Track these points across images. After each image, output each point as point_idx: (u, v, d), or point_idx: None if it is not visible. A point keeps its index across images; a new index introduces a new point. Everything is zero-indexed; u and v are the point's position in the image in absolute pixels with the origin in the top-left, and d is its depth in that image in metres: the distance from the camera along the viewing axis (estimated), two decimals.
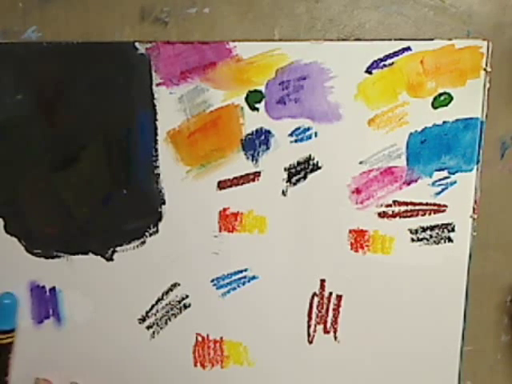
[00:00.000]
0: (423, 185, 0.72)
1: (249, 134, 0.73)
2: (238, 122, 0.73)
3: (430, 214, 0.73)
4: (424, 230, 0.73)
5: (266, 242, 0.76)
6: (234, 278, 0.77)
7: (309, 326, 0.77)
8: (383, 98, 0.71)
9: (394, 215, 0.73)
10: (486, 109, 0.70)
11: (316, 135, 0.72)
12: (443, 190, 0.72)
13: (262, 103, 0.73)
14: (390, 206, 0.73)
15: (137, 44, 0.72)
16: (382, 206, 0.73)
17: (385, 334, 0.77)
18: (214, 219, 0.76)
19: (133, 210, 0.77)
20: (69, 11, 0.73)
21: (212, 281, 0.78)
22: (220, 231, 0.76)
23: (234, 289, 0.77)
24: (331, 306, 0.76)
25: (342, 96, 0.72)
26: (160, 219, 0.77)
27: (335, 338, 0.77)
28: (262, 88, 0.72)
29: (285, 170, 0.74)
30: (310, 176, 0.73)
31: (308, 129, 0.72)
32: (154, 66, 0.73)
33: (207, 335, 0.79)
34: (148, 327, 0.80)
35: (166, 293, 0.79)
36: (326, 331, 0.77)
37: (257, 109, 0.72)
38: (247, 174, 0.74)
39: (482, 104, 0.70)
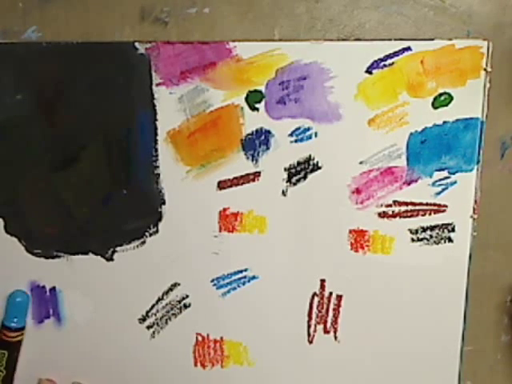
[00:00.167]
0: (423, 185, 0.72)
1: (249, 134, 0.73)
2: (238, 122, 0.73)
3: (430, 214, 0.73)
4: (424, 230, 0.73)
5: (266, 242, 0.76)
6: (234, 277, 0.77)
7: (309, 326, 0.77)
8: (383, 98, 0.71)
9: (394, 215, 0.73)
10: (486, 109, 0.69)
11: (316, 135, 0.73)
12: (443, 190, 0.72)
13: (262, 103, 0.73)
14: (390, 206, 0.73)
15: (136, 44, 0.72)
16: (382, 206, 0.73)
17: (385, 334, 0.77)
18: (214, 219, 0.76)
19: (133, 210, 0.77)
20: (69, 11, 0.73)
21: (212, 281, 0.78)
22: (220, 231, 0.77)
23: (234, 289, 0.77)
24: (331, 306, 0.77)
25: (342, 96, 0.72)
26: (160, 219, 0.77)
27: (335, 337, 0.77)
28: (262, 88, 0.72)
29: (285, 170, 0.74)
30: (310, 176, 0.74)
31: (308, 129, 0.72)
32: (154, 65, 0.73)
33: (207, 335, 0.79)
34: (148, 327, 0.80)
35: (166, 293, 0.79)
36: (326, 331, 0.77)
37: (257, 109, 0.73)
38: (247, 174, 0.74)
39: (482, 104, 0.69)
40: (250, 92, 0.73)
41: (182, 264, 0.78)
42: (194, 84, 0.73)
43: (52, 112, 0.76)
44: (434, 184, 0.72)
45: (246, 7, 0.73)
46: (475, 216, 0.72)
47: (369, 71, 0.71)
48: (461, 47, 0.70)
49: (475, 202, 0.72)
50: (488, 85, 0.70)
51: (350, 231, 0.75)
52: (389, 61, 0.70)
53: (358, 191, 0.73)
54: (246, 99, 0.73)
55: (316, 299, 0.77)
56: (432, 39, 0.70)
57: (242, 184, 0.75)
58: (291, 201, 0.75)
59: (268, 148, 0.73)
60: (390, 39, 0.71)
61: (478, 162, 0.71)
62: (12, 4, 0.74)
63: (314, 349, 0.79)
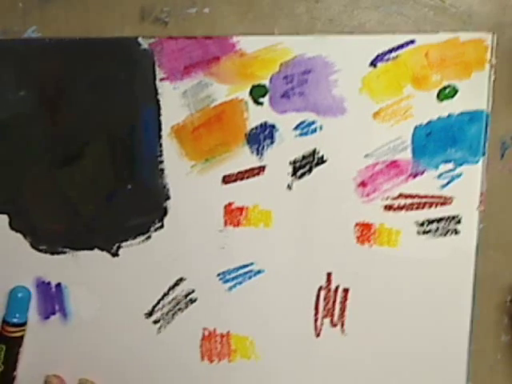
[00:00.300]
0: (429, 177, 0.72)
1: (253, 129, 0.73)
2: (243, 116, 0.73)
3: (436, 206, 0.73)
4: (430, 222, 0.73)
5: (271, 235, 0.76)
6: (240, 272, 0.77)
7: (316, 320, 0.78)
8: (388, 91, 0.71)
9: (400, 208, 0.73)
10: (491, 101, 0.69)
11: (321, 129, 0.73)
12: (449, 182, 0.72)
13: (267, 97, 0.73)
14: (396, 198, 0.73)
15: (140, 39, 0.72)
16: (387, 198, 0.73)
17: (392, 327, 0.77)
18: (219, 214, 0.76)
19: (137, 205, 0.77)
20: (69, 11, 0.73)
21: (218, 275, 0.78)
22: (225, 226, 0.77)
23: (240, 283, 0.77)
24: (338, 300, 0.77)
25: (347, 89, 0.72)
26: (165, 214, 0.77)
27: (342, 331, 0.77)
28: (266, 82, 0.72)
29: (290, 163, 0.74)
30: (315, 170, 0.73)
31: (313, 122, 0.72)
32: (158, 61, 0.73)
33: (214, 329, 0.79)
34: (154, 322, 0.80)
35: (172, 287, 0.79)
36: (333, 324, 0.77)
37: (261, 103, 0.73)
38: (252, 169, 0.74)
39: (487, 96, 0.69)
40: (254, 86, 0.73)
41: (187, 259, 0.78)
42: (197, 79, 0.73)
43: (55, 109, 0.76)
44: (439, 176, 0.72)
45: (245, 7, 0.73)
46: (481, 208, 0.71)
47: (373, 64, 0.71)
48: (465, 40, 0.70)
49: (481, 193, 0.71)
50: (493, 77, 0.69)
51: (356, 224, 0.75)
52: (393, 54, 0.70)
53: (363, 184, 0.73)
54: (251, 93, 0.73)
55: (322, 292, 0.77)
56: (436, 32, 0.69)
57: (247, 178, 0.75)
58: (296, 194, 0.75)
59: (273, 142, 0.73)
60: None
61: (483, 154, 0.70)
62: (12, 4, 0.74)
63: (321, 342, 0.79)
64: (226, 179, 0.75)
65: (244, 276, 0.78)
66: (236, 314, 0.80)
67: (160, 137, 0.75)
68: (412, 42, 0.70)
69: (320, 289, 0.77)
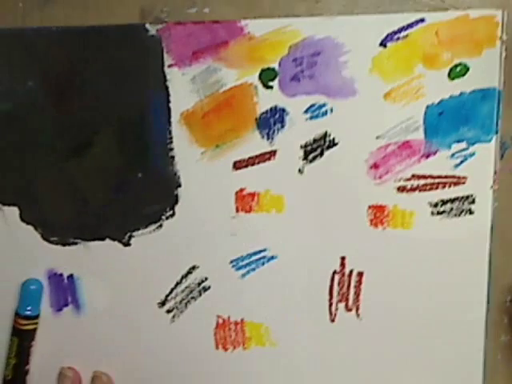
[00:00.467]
0: (442, 157, 0.72)
1: (263, 113, 0.73)
2: (252, 100, 0.73)
3: (449, 186, 0.72)
4: (444, 202, 0.73)
5: (284, 221, 0.76)
6: (253, 258, 0.77)
7: (330, 305, 0.77)
8: (399, 71, 0.70)
9: (413, 189, 0.73)
10: (503, 78, 0.68)
11: (332, 111, 0.72)
12: (462, 161, 0.71)
13: (276, 81, 0.72)
14: (409, 179, 0.72)
15: (147, 25, 0.72)
16: (400, 180, 0.73)
17: (408, 310, 0.76)
18: (231, 200, 0.76)
19: (148, 193, 0.77)
20: (69, 11, 0.73)
21: (231, 262, 0.78)
22: (237, 212, 0.76)
23: (254, 269, 0.77)
24: (352, 284, 0.76)
25: (357, 70, 0.71)
26: (176, 202, 0.77)
27: (358, 315, 0.77)
28: (276, 65, 0.72)
29: (301, 147, 0.73)
30: (326, 153, 0.73)
31: (323, 105, 0.72)
32: (166, 47, 0.73)
33: (228, 317, 0.79)
34: (168, 311, 0.80)
35: (185, 276, 0.78)
36: (348, 309, 0.77)
37: (271, 87, 0.72)
38: (263, 154, 0.74)
39: (499, 73, 0.68)
40: (263, 70, 0.72)
41: (199, 246, 0.78)
42: (206, 64, 0.73)
43: (64, 97, 0.76)
44: (452, 156, 0.72)
45: (245, 7, 0.73)
46: (495, 187, 0.71)
47: (383, 44, 0.70)
48: (475, 17, 0.69)
49: (495, 172, 0.70)
50: (504, 54, 0.68)
51: (369, 207, 0.74)
52: (403, 33, 0.70)
53: (375, 166, 0.72)
54: (260, 77, 0.72)
55: (336, 277, 0.76)
56: (446, 9, 0.68)
57: (258, 163, 0.74)
58: (308, 178, 0.74)
59: (283, 126, 0.73)
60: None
61: (496, 133, 0.70)
62: (12, 4, 0.73)
63: (336, 327, 0.79)
64: (237, 165, 0.75)
65: (257, 262, 0.77)
66: (250, 300, 0.79)
67: (169, 124, 0.74)
68: (422, 20, 0.69)
69: (334, 273, 0.77)
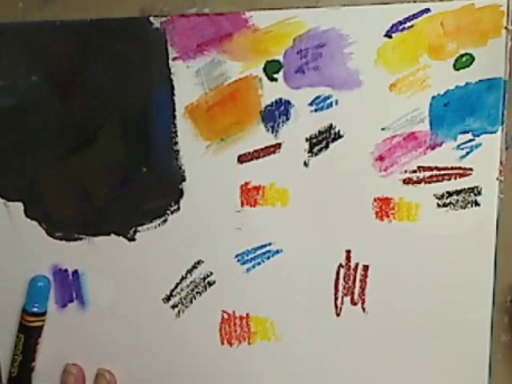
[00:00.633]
0: (448, 149, 0.71)
1: (268, 106, 0.72)
2: (257, 93, 0.72)
3: (455, 178, 0.72)
4: (450, 194, 0.72)
5: (289, 214, 0.76)
6: (258, 252, 0.76)
7: (336, 298, 0.77)
8: (404, 62, 0.70)
9: (419, 181, 0.72)
10: (508, 68, 0.68)
11: (337, 103, 0.72)
12: (468, 153, 0.71)
13: (281, 73, 0.72)
14: (415, 171, 0.72)
15: (151, 18, 0.71)
16: (406, 172, 0.72)
17: (414, 304, 0.76)
18: (236, 194, 0.76)
19: (153, 188, 0.76)
20: (69, 11, 0.73)
21: (236, 256, 0.77)
22: (242, 206, 0.76)
23: (259, 264, 0.77)
24: (358, 277, 0.76)
25: (362, 62, 0.71)
26: (181, 196, 0.76)
27: (363, 309, 0.76)
28: (280, 58, 0.72)
29: (306, 140, 0.73)
30: (331, 145, 0.73)
31: (328, 97, 0.72)
32: (170, 40, 0.73)
33: (233, 312, 0.78)
34: (173, 306, 0.79)
35: (190, 271, 0.78)
36: (353, 303, 0.76)
37: (275, 79, 0.72)
38: (268, 147, 0.74)
39: (504, 63, 0.68)
40: (267, 62, 0.72)
41: (204, 241, 0.77)
42: (210, 57, 0.72)
43: (67, 92, 0.76)
44: (458, 147, 0.71)
45: (245, 7, 0.73)
46: (501, 178, 0.70)
47: (388, 35, 0.70)
48: (480, 6, 0.69)
49: (501, 163, 0.70)
50: (510, 43, 0.68)
51: (375, 199, 0.74)
52: (408, 23, 0.69)
53: (381, 158, 0.72)
54: (264, 70, 0.72)
55: (342, 270, 0.76)
56: None
57: (263, 157, 0.74)
58: (313, 171, 0.74)
59: (288, 119, 0.73)
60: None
61: (502, 123, 0.69)
62: (12, 4, 0.73)
63: (342, 321, 0.78)
64: (242, 158, 0.75)
65: (262, 257, 0.77)
66: (255, 295, 0.79)
67: (174, 117, 0.74)
68: (427, 10, 0.68)
69: (339, 267, 0.76)
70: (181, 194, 0.77)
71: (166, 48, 0.73)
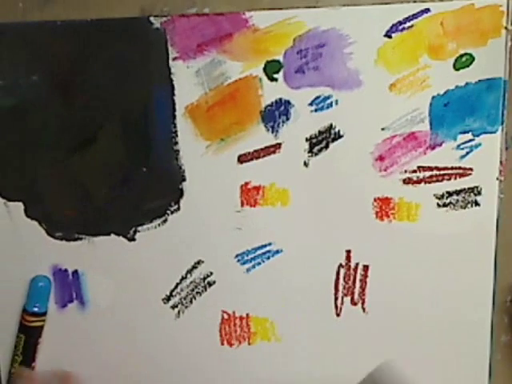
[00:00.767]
0: (448, 149, 0.71)
1: (268, 106, 0.73)
2: (257, 93, 0.72)
3: (455, 178, 0.72)
4: (450, 194, 0.72)
5: (289, 214, 0.76)
6: (258, 252, 0.76)
7: (336, 299, 0.77)
8: (404, 62, 0.70)
9: (419, 181, 0.72)
10: (508, 68, 0.68)
11: (337, 103, 0.72)
12: (468, 153, 0.71)
13: (281, 73, 0.72)
14: (415, 171, 0.72)
15: (151, 18, 0.71)
16: (406, 172, 0.72)
17: (413, 303, 0.76)
18: (236, 194, 0.76)
19: (153, 188, 0.76)
20: (69, 11, 0.73)
21: (236, 256, 0.77)
22: (242, 206, 0.76)
23: (259, 264, 0.77)
24: (358, 277, 0.76)
25: (362, 62, 0.71)
26: (181, 196, 0.76)
27: (363, 309, 0.76)
28: (280, 58, 0.72)
29: (306, 140, 0.73)
30: (331, 145, 0.73)
31: (328, 97, 0.72)
32: (170, 40, 0.73)
33: (233, 312, 0.78)
34: (173, 307, 0.79)
35: (190, 271, 0.78)
36: (353, 303, 0.76)
37: (275, 79, 0.72)
38: (268, 147, 0.74)
39: (504, 63, 0.68)
40: (267, 62, 0.72)
41: (204, 241, 0.78)
42: (210, 57, 0.72)
43: (68, 92, 0.75)
44: (458, 147, 0.71)
45: (245, 7, 0.73)
46: (501, 178, 0.70)
47: (388, 35, 0.70)
48: (480, 6, 0.69)
49: (501, 163, 0.70)
50: (510, 43, 0.68)
51: (375, 199, 0.74)
52: (408, 24, 0.69)
53: (381, 158, 0.72)
54: (264, 70, 0.72)
55: (342, 270, 0.76)
56: None
57: (263, 157, 0.74)
58: (313, 171, 0.74)
59: (288, 118, 0.73)
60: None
61: (502, 123, 0.69)
62: (12, 4, 0.73)
63: (342, 321, 0.78)
64: (242, 158, 0.75)
65: (262, 257, 0.77)
66: (255, 295, 0.79)
67: (174, 117, 0.74)
68: (427, 10, 0.68)
69: (340, 267, 0.76)
70: (181, 193, 0.77)
71: (166, 48, 0.73)
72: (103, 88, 0.75)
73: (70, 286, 0.81)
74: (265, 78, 0.72)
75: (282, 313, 0.79)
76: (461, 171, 0.71)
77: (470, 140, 0.71)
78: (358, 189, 0.74)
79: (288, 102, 0.72)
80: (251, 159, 0.74)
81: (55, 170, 0.78)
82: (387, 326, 0.77)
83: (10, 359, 0.82)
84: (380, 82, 0.71)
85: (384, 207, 0.73)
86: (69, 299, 0.81)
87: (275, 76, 0.72)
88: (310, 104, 0.72)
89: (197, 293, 0.79)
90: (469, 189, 0.72)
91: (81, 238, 0.79)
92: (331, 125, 0.72)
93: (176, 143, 0.75)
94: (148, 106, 0.74)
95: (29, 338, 0.80)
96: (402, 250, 0.74)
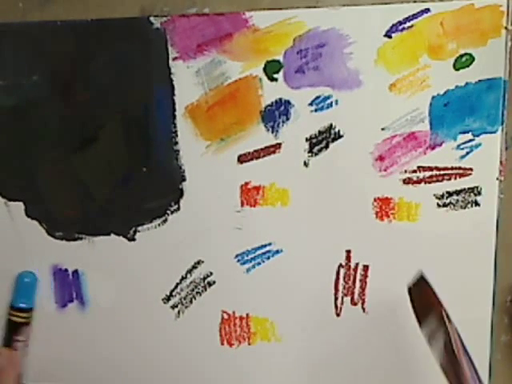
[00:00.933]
0: (448, 149, 0.71)
1: (268, 106, 0.73)
2: (257, 93, 0.72)
3: (455, 178, 0.72)
4: (450, 194, 0.72)
5: (289, 214, 0.76)
6: (258, 252, 0.76)
7: (336, 299, 0.77)
8: (404, 62, 0.70)
9: (419, 181, 0.72)
10: (508, 68, 0.68)
11: (336, 103, 0.72)
12: (468, 153, 0.71)
13: (281, 73, 0.72)
14: (415, 171, 0.72)
15: (152, 18, 0.71)
16: (406, 172, 0.72)
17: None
18: (236, 194, 0.76)
19: (153, 188, 0.77)
20: (69, 11, 0.73)
21: (236, 256, 0.77)
22: (242, 206, 0.76)
23: (259, 264, 0.77)
24: (358, 277, 0.76)
25: (362, 62, 0.71)
26: (181, 196, 0.77)
27: (363, 309, 0.76)
28: (280, 57, 0.72)
29: (306, 140, 0.73)
30: (331, 145, 0.73)
31: (328, 97, 0.72)
32: (170, 40, 0.73)
33: (233, 312, 0.78)
34: (173, 307, 0.80)
35: (190, 271, 0.78)
36: (353, 303, 0.76)
37: (275, 79, 0.72)
38: (268, 147, 0.74)
39: (504, 63, 0.68)
40: (267, 62, 0.72)
41: (204, 241, 0.78)
42: (211, 57, 0.73)
43: (68, 92, 0.75)
44: (458, 147, 0.71)
45: (245, 7, 0.73)
46: (501, 178, 0.70)
47: (388, 35, 0.70)
48: (480, 6, 0.69)
49: (501, 163, 0.70)
50: (510, 43, 0.68)
51: (375, 199, 0.74)
52: (408, 24, 0.69)
53: (381, 158, 0.72)
54: (264, 70, 0.72)
55: (342, 270, 0.76)
56: None
57: (263, 157, 0.74)
58: (313, 171, 0.74)
59: (288, 118, 0.73)
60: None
61: (502, 123, 0.69)
62: (12, 4, 0.73)
63: (342, 321, 0.78)
64: (242, 158, 0.75)
65: (262, 257, 0.77)
66: (255, 295, 0.79)
67: (174, 117, 0.74)
68: (427, 10, 0.68)
69: (339, 267, 0.76)
70: (181, 193, 0.77)
71: (167, 48, 0.74)
72: (104, 88, 0.75)
73: (70, 286, 0.81)
74: (265, 78, 0.72)
75: (282, 313, 0.79)
76: (461, 171, 0.71)
77: (470, 140, 0.71)
78: (358, 189, 0.74)
79: (288, 102, 0.72)
80: (251, 159, 0.74)
81: (55, 169, 0.78)
82: (387, 326, 0.76)
83: None
84: (380, 81, 0.71)
85: (384, 207, 0.73)
86: (69, 299, 0.81)
87: (275, 76, 0.72)
88: (310, 104, 0.72)
89: (197, 293, 0.79)
90: (469, 189, 0.72)
91: (81, 238, 0.79)
92: (331, 125, 0.72)
93: (176, 143, 0.75)
94: (148, 105, 0.74)
95: (15, 334, 0.80)
96: (402, 250, 0.74)
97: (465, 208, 0.72)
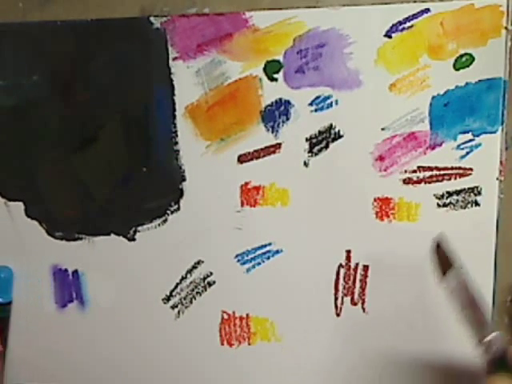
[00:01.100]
0: (448, 149, 0.71)
1: (268, 106, 0.73)
2: (257, 93, 0.72)
3: (455, 178, 0.72)
4: (450, 194, 0.72)
5: (289, 214, 0.76)
6: (258, 252, 0.76)
7: (336, 299, 0.76)
8: (404, 62, 0.70)
9: (419, 181, 0.72)
10: (508, 68, 0.67)
11: (336, 103, 0.72)
12: (468, 153, 0.71)
13: (281, 73, 0.72)
14: (415, 171, 0.72)
15: (152, 18, 0.72)
16: (406, 172, 0.72)
17: (414, 304, 0.75)
18: (236, 194, 0.76)
19: (153, 188, 0.77)
20: (69, 11, 0.73)
21: (236, 257, 0.77)
22: (242, 206, 0.76)
23: (259, 264, 0.77)
24: (358, 277, 0.76)
25: (362, 62, 0.71)
26: (181, 196, 0.76)
27: (363, 309, 0.76)
28: (280, 57, 0.72)
29: (306, 140, 0.73)
30: (331, 145, 0.73)
31: (328, 97, 0.72)
32: (170, 40, 0.73)
33: (233, 312, 0.78)
34: (173, 307, 0.79)
35: (190, 271, 0.78)
36: (353, 303, 0.76)
37: (275, 79, 0.72)
38: (268, 147, 0.74)
39: (504, 63, 0.68)
40: (267, 62, 0.72)
41: (204, 241, 0.78)
42: (211, 57, 0.73)
43: (69, 92, 0.76)
44: (458, 147, 0.71)
45: (245, 7, 0.73)
46: (501, 178, 0.70)
47: (388, 35, 0.70)
48: (480, 6, 0.69)
49: (501, 163, 0.70)
50: (510, 43, 0.68)
51: (375, 199, 0.74)
52: (408, 24, 0.69)
53: (381, 158, 0.72)
54: (264, 70, 0.72)
55: (342, 271, 0.76)
56: None
57: (263, 157, 0.74)
58: (313, 171, 0.74)
59: (288, 118, 0.73)
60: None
61: (502, 123, 0.69)
62: (12, 4, 0.73)
63: (342, 321, 0.78)
64: (242, 158, 0.75)
65: (262, 257, 0.77)
66: (255, 295, 0.79)
67: (174, 117, 0.74)
68: (427, 10, 0.68)
69: (340, 267, 0.76)
70: (181, 193, 0.77)
71: (167, 48, 0.74)
72: (104, 88, 0.75)
73: (70, 286, 0.81)
74: (265, 78, 0.72)
75: (282, 313, 0.79)
76: (461, 171, 0.71)
77: (470, 140, 0.71)
78: (358, 189, 0.74)
79: (288, 102, 0.72)
80: (251, 159, 0.74)
81: (55, 169, 0.78)
82: (387, 327, 0.77)
83: None
84: (380, 81, 0.71)
85: (384, 207, 0.73)
86: (69, 299, 0.81)
87: (275, 76, 0.72)
88: (310, 104, 0.72)
89: (197, 293, 0.79)
90: (469, 189, 0.72)
91: (81, 238, 0.79)
92: (331, 125, 0.72)
93: (176, 143, 0.75)
94: (148, 105, 0.75)
95: None
96: (402, 250, 0.74)
97: (465, 208, 0.72)
